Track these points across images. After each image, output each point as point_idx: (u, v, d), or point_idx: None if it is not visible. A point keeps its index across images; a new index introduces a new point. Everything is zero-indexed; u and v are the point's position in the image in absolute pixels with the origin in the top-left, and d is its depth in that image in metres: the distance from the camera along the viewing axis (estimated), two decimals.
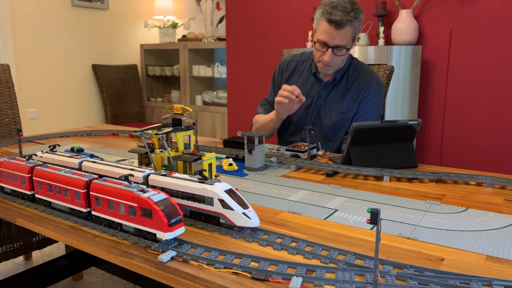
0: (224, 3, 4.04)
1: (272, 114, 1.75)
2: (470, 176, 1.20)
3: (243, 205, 0.85)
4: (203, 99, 4.40)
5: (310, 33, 2.99)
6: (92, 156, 1.18)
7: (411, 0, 2.71)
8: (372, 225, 0.90)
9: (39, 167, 1.02)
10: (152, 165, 1.17)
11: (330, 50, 1.61)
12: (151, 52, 4.76)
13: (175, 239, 0.81)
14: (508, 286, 0.65)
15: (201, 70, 4.33)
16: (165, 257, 0.75)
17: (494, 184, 1.18)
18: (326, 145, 1.77)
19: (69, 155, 1.12)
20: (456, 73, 2.70)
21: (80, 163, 1.06)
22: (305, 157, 1.42)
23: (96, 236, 0.88)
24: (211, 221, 0.88)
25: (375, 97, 1.73)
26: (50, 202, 1.00)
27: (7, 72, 2.16)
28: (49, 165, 1.04)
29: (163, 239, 0.77)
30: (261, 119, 1.84)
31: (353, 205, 1.03)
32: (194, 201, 0.88)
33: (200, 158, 1.07)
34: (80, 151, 1.39)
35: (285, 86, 1.57)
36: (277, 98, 1.59)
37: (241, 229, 0.86)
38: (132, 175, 0.92)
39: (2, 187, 1.14)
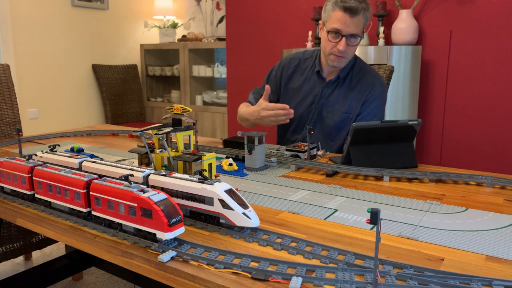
0: (224, 3, 4.04)
1: (254, 117, 1.70)
2: (470, 176, 1.20)
3: (243, 205, 0.85)
4: (203, 99, 4.39)
5: (310, 33, 2.99)
6: (92, 156, 1.18)
7: (411, 0, 2.71)
8: (372, 225, 0.90)
9: (39, 167, 1.02)
10: (152, 165, 1.17)
11: (344, 39, 1.62)
12: (151, 52, 4.75)
13: (175, 239, 0.81)
14: (508, 286, 0.65)
15: (201, 70, 4.32)
16: (165, 257, 0.75)
17: (494, 184, 1.18)
18: (327, 145, 1.77)
19: (69, 155, 1.12)
20: (456, 73, 2.70)
21: (80, 163, 1.06)
22: (305, 157, 1.42)
23: (96, 236, 0.88)
24: (211, 221, 0.88)
25: (379, 98, 1.73)
26: (50, 202, 1.00)
27: (7, 72, 2.16)
28: (49, 165, 1.05)
29: (163, 239, 0.77)
30: (243, 112, 1.82)
31: (353, 205, 1.03)
32: (194, 201, 0.88)
33: (200, 158, 1.07)
34: (80, 151, 1.39)
35: (278, 105, 1.61)
36: (266, 113, 1.61)
37: (241, 229, 0.86)
38: (132, 175, 0.92)
39: (2, 187, 1.14)
